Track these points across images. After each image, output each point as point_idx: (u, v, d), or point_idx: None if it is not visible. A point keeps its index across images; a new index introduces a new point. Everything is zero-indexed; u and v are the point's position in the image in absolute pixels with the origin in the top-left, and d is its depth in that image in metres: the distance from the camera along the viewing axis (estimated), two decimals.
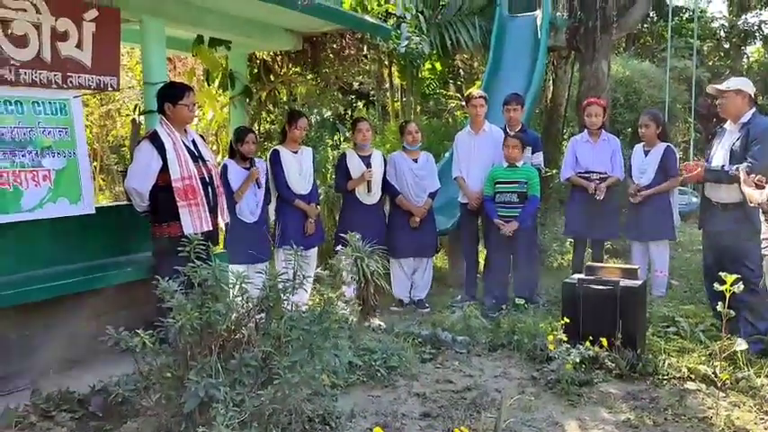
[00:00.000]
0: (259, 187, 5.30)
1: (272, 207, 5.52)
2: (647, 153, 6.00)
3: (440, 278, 6.68)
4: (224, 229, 5.21)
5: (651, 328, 4.68)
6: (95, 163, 9.41)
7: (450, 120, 10.63)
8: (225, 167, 5.23)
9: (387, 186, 5.82)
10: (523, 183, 5.62)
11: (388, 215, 5.96)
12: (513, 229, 5.53)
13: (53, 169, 4.16)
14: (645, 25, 17.09)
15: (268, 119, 7.17)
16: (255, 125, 6.81)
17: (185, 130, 4.42)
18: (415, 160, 5.85)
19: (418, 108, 10.33)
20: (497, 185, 5.67)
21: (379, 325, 4.90)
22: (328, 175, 6.77)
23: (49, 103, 4.20)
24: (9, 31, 3.92)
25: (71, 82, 4.29)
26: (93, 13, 4.33)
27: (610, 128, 8.14)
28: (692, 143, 10.27)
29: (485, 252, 6.13)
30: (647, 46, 17.35)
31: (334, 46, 6.66)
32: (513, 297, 5.52)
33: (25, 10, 3.99)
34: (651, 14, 16.75)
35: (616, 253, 7.52)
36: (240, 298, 3.22)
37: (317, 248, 5.66)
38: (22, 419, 3.24)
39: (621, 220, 6.26)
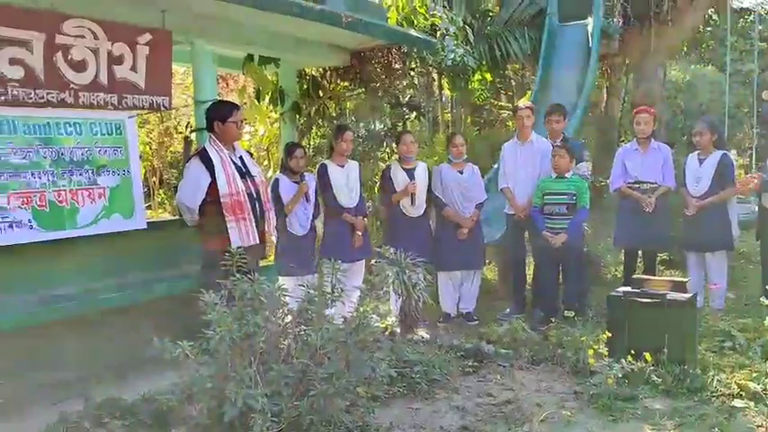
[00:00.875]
0: (308, 201, 5.42)
1: (319, 220, 5.63)
2: (701, 161, 5.83)
3: (489, 291, 6.64)
4: (274, 242, 5.36)
5: (705, 343, 4.54)
6: (154, 178, 9.78)
7: (502, 130, 10.57)
8: (276, 182, 5.37)
9: (433, 198, 5.84)
10: (572, 194, 5.55)
11: (435, 228, 5.98)
12: (562, 241, 5.47)
13: (108, 187, 4.38)
14: (708, 28, 16.56)
15: (318, 133, 7.31)
16: (306, 140, 6.97)
17: (233, 147, 4.58)
18: (461, 172, 5.86)
19: (469, 119, 10.32)
20: (546, 196, 5.62)
21: (422, 337, 4.92)
22: (376, 189, 6.85)
23: (106, 123, 4.42)
24: (69, 57, 4.14)
25: (126, 103, 4.49)
26: (146, 37, 4.52)
27: (667, 135, 7.97)
28: (754, 149, 9.89)
29: (534, 264, 6.07)
30: (710, 50, 16.79)
31: (382, 60, 6.75)
32: (562, 310, 5.44)
33: (84, 36, 4.20)
34: (714, 17, 16.22)
35: (672, 264, 7.31)
36: (280, 310, 3.32)
37: (363, 261, 5.73)
38: (76, 426, 3.41)
39: (676, 230, 6.09)
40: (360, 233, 5.54)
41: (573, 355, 4.34)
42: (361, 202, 5.74)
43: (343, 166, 5.61)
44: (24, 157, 3.98)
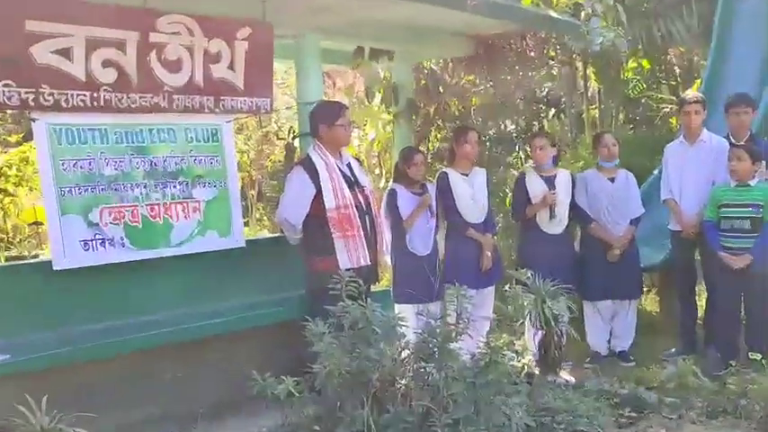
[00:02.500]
0: (431, 215, 5.45)
1: (440, 237, 5.64)
2: None
3: (649, 325, 6.41)
4: (388, 263, 5.43)
5: None
6: (252, 191, 10.21)
7: (664, 129, 10.23)
8: (393, 193, 5.43)
9: (577, 212, 5.73)
10: (758, 206, 5.27)
11: (580, 248, 5.86)
12: (745, 264, 5.20)
13: (203, 200, 4.61)
14: None
15: (438, 136, 7.37)
16: (424, 144, 7.04)
17: (340, 154, 4.70)
18: (612, 179, 5.71)
19: (621, 116, 10.05)
20: (722, 209, 5.37)
21: (567, 381, 4.82)
22: (507, 200, 6.80)
23: (201, 129, 4.66)
24: (163, 57, 4.41)
25: (223, 105, 4.72)
26: (245, 32, 4.73)
27: None
28: None
29: (706, 293, 5.80)
30: None
31: (514, 48, 6.73)
32: (745, 351, 5.16)
33: (179, 33, 4.45)
34: None
35: None
36: (396, 343, 3.35)
37: (493, 287, 5.68)
38: None
39: None
40: (488, 253, 5.50)
41: (762, 407, 4.09)
42: (490, 217, 5.70)
43: (467, 175, 5.60)
44: (116, 168, 4.27)
